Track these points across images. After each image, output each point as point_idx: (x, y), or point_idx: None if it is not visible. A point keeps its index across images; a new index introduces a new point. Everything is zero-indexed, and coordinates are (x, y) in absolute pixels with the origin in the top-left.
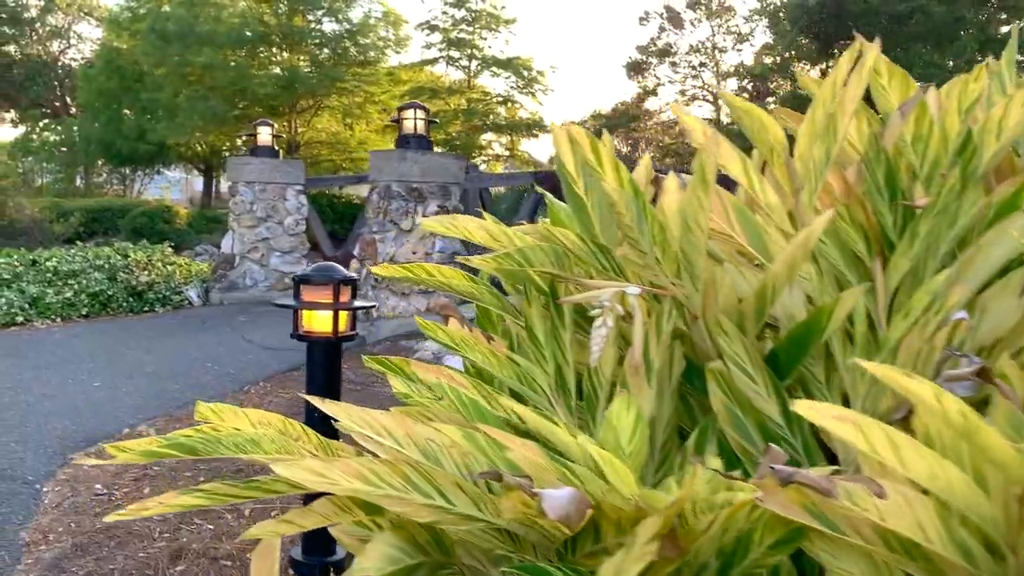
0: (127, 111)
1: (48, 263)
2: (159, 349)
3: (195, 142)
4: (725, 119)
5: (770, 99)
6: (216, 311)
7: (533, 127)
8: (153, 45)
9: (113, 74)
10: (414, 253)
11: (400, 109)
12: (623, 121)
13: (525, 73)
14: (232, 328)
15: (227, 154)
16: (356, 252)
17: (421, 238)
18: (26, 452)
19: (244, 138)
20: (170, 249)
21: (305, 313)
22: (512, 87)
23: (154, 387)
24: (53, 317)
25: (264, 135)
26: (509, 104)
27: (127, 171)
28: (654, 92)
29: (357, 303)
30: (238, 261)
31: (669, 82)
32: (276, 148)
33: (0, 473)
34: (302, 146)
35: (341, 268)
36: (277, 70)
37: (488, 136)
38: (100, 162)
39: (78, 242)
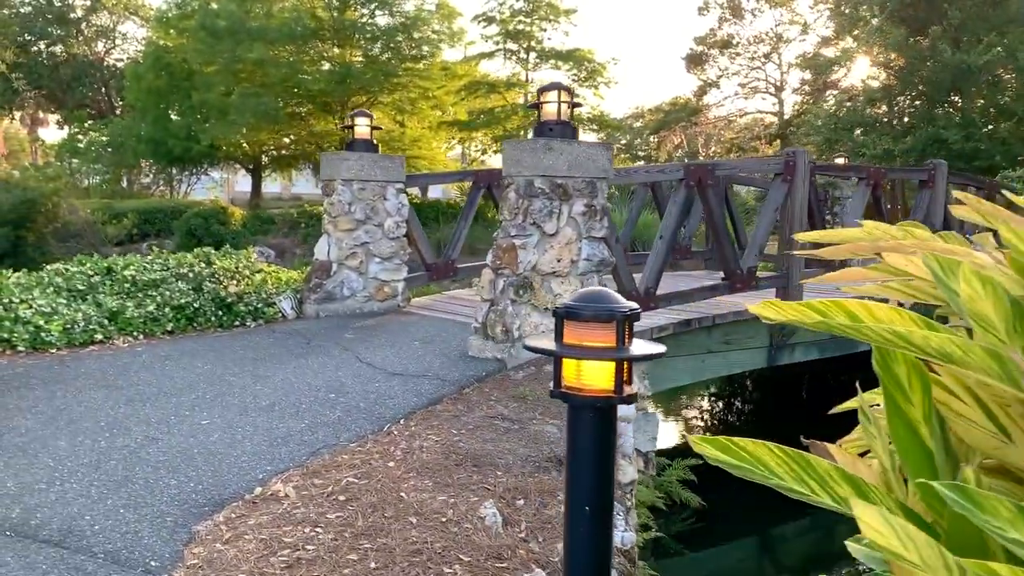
0: (175, 110)
1: (126, 272)
2: (268, 376)
3: (244, 140)
4: (788, 113)
5: (832, 91)
6: (315, 326)
7: (596, 121)
8: (203, 42)
9: (161, 72)
10: (559, 261)
11: (541, 91)
12: (683, 115)
13: (587, 66)
14: (343, 348)
15: (274, 152)
16: (490, 260)
17: (567, 243)
18: (141, 523)
19: (341, 128)
20: (257, 254)
21: (572, 363)
22: (574, 79)
23: (276, 427)
24: (135, 334)
25: (362, 127)
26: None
27: (174, 171)
28: (715, 84)
29: (647, 348)
30: (335, 269)
31: (732, 74)
32: (375, 141)
33: (115, 556)
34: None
35: (619, 296)
36: (329, 66)
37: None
38: (146, 163)
39: (137, 244)
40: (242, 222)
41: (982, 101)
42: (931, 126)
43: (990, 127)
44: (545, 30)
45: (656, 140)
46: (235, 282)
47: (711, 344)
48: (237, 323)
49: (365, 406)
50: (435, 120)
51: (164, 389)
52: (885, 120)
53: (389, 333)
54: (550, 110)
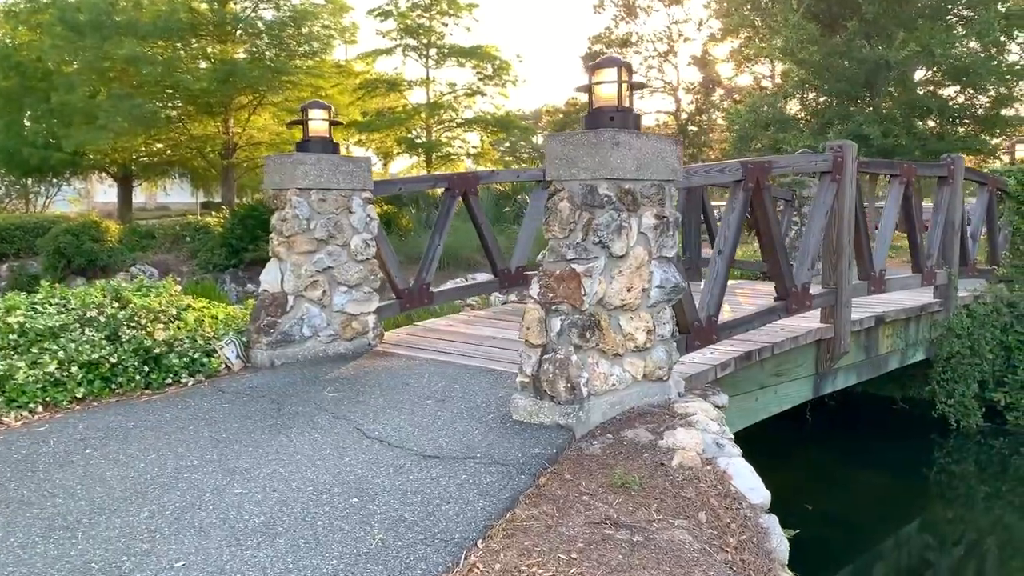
0: (29, 115)
1: (10, 319)
2: (246, 469)
3: (114, 147)
4: (684, 115)
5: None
6: (276, 380)
7: (502, 123)
8: (61, 38)
9: (11, 73)
10: (628, 291)
11: (593, 68)
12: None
13: (491, 63)
14: (331, 414)
15: (145, 159)
16: (536, 293)
17: (638, 267)
18: None
19: (288, 125)
20: (178, 286)
21: None
22: (478, 77)
23: (293, 568)
24: (32, 406)
25: (318, 121)
26: (481, 96)
27: (29, 183)
28: None
29: None
30: (291, 303)
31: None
32: (334, 140)
33: None
34: (239, 148)
35: None
36: (209, 63)
37: (448, 134)
38: None
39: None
40: (118, 238)
41: (892, 96)
42: (850, 122)
43: (908, 123)
44: (446, 25)
45: None
46: (162, 325)
47: (763, 378)
48: (170, 381)
49: (413, 518)
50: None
51: (97, 502)
52: (801, 116)
53: (382, 388)
54: (607, 93)
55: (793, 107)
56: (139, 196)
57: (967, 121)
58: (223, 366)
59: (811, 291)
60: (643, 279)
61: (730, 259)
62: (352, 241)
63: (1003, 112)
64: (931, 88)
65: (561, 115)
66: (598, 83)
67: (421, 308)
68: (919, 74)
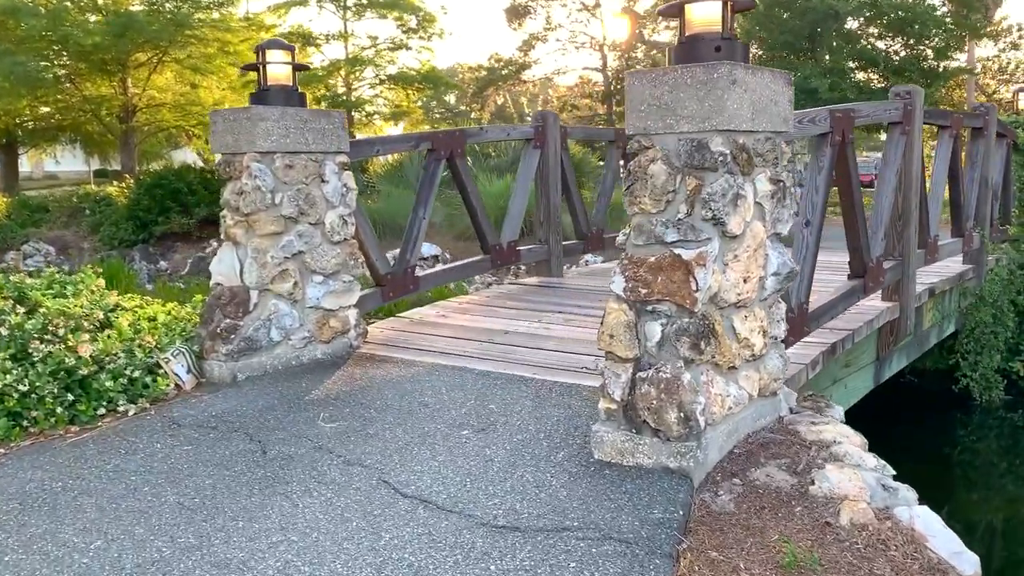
0: None
1: None
2: (243, 560)
3: None
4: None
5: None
6: (247, 404)
7: (428, 79)
8: None
9: None
10: (744, 281)
11: None
12: (510, 72)
13: (415, 15)
14: (340, 458)
15: (30, 124)
16: (621, 288)
17: (755, 249)
18: None
19: (243, 71)
20: (100, 280)
21: None
22: (401, 29)
23: None
24: None
25: (279, 66)
26: (406, 50)
27: None
28: (541, 39)
29: None
30: (256, 299)
31: (557, 27)
32: (299, 90)
33: None
34: (140, 111)
35: None
36: (101, 16)
37: (370, 91)
38: None
39: None
40: (6, 212)
41: (835, 49)
42: (795, 75)
43: (856, 76)
44: None
45: (480, 100)
46: (87, 336)
47: (836, 371)
48: (104, 410)
49: None
50: (239, 80)
51: None
52: None
53: (393, 411)
54: (705, 15)
55: None
56: (24, 165)
57: (910, 73)
58: (172, 386)
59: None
60: (759, 265)
61: (820, 231)
62: (327, 218)
63: (945, 64)
64: (872, 40)
65: (485, 72)
66: (691, 1)
67: (405, 296)
68: (858, 25)
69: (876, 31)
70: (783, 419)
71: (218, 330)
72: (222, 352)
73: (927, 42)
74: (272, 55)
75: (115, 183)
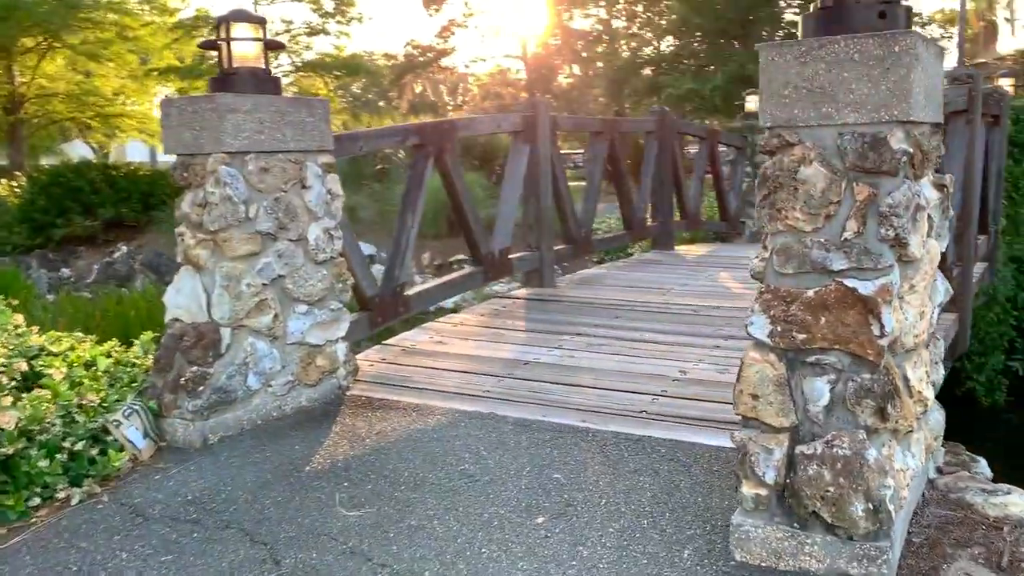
0: None
1: None
2: None
3: None
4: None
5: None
6: (231, 480)
7: (346, 66)
8: None
9: None
10: (921, 317)
11: None
12: (428, 60)
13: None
14: (385, 570)
15: None
16: (765, 333)
17: (931, 278)
18: None
19: (203, 45)
20: (19, 319)
21: None
22: (319, 14)
23: None
24: None
25: (246, 43)
26: (325, 35)
27: None
28: (460, 25)
29: None
30: (228, 340)
31: (478, 13)
32: (273, 72)
33: None
34: (28, 101)
35: None
36: None
37: (285, 80)
38: None
39: None
40: None
41: (765, 37)
42: (731, 63)
43: None
44: None
45: (398, 88)
46: (9, 399)
47: None
48: (39, 499)
49: None
50: (140, 68)
51: None
52: (682, 55)
53: (434, 489)
54: None
55: (667, 46)
56: None
57: None
58: (128, 457)
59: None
60: (930, 295)
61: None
62: (310, 233)
63: None
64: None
65: (404, 59)
66: None
67: (394, 320)
68: (792, 13)
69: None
70: (935, 484)
71: (182, 381)
72: (188, 409)
73: None
74: (238, 30)
75: (2, 181)
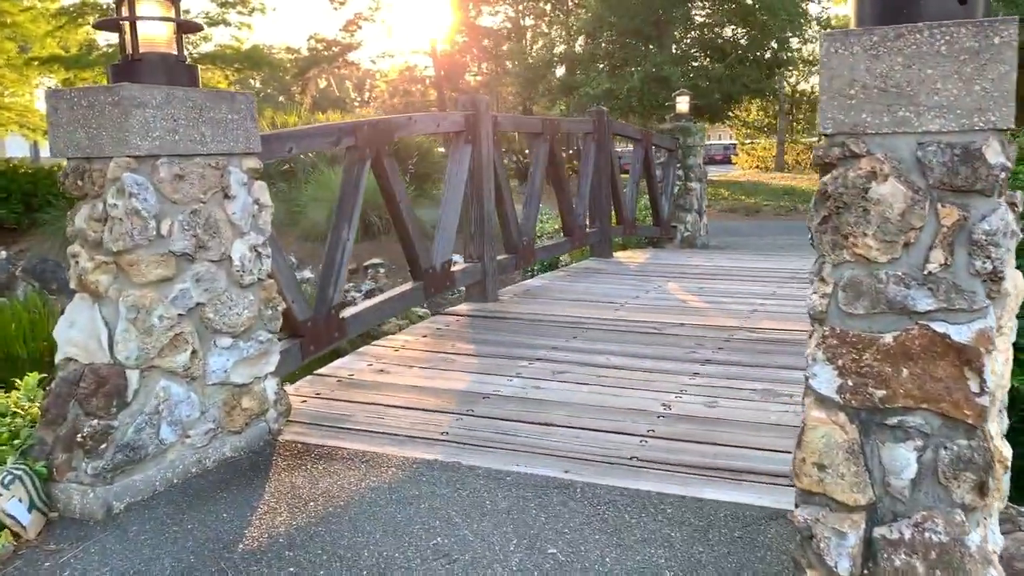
0: None
1: None
2: None
3: None
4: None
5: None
6: (145, 569)
7: (249, 59)
8: None
9: None
10: (1006, 363)
11: None
12: (333, 54)
13: None
14: None
15: None
16: (838, 390)
17: (1014, 314)
18: None
19: (96, 25)
20: None
21: None
22: (218, 3)
23: None
24: None
25: (154, 24)
26: (225, 25)
27: None
28: (368, 19)
29: None
30: (136, 384)
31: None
32: (187, 60)
33: None
34: None
35: None
36: None
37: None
38: None
39: None
40: None
41: (677, 38)
42: (647, 63)
43: (707, 65)
44: None
45: (301, 83)
46: None
47: None
48: None
49: None
50: (19, 57)
51: None
52: (597, 55)
53: (406, 574)
54: None
55: (580, 46)
56: None
57: (752, 62)
58: (7, 540)
59: None
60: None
61: None
62: (234, 251)
63: (783, 55)
64: (716, 29)
65: (307, 54)
66: None
67: (330, 346)
68: (705, 12)
69: (721, 19)
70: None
71: (79, 437)
72: (87, 471)
73: (768, 33)
74: (145, 7)
75: None
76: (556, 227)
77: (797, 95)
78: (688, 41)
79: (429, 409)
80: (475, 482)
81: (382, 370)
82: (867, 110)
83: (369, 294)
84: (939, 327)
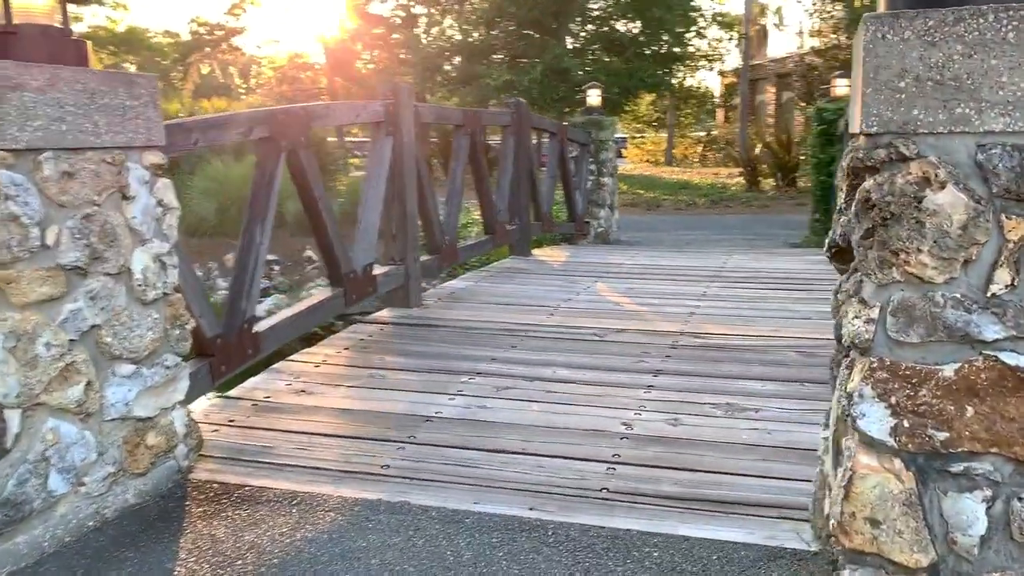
0: None
1: None
2: None
3: None
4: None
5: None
6: None
7: (125, 42)
8: None
9: None
10: None
11: None
12: (218, 40)
13: None
14: None
15: None
16: (891, 432)
17: None
18: None
19: None
20: None
21: None
22: None
23: None
24: None
25: None
26: (99, 5)
27: None
28: (252, 3)
29: None
30: (18, 426)
31: None
32: (75, 34)
33: None
34: None
35: None
36: None
37: None
38: None
39: None
40: None
41: (573, 32)
42: (547, 55)
43: (606, 58)
44: None
45: (184, 69)
46: None
47: None
48: None
49: None
50: None
51: None
52: (495, 45)
53: None
54: None
55: (479, 36)
56: None
57: (648, 57)
58: None
59: None
60: None
61: None
62: (135, 262)
63: (678, 49)
64: (611, 23)
65: (189, 38)
66: None
67: (241, 366)
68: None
69: (617, 12)
70: None
71: None
72: None
73: (664, 28)
74: None
75: None
76: (465, 222)
77: (684, 90)
78: (586, 34)
79: (364, 437)
80: (430, 527)
81: (303, 390)
82: (919, 106)
83: (263, 292)
84: (1009, 358)
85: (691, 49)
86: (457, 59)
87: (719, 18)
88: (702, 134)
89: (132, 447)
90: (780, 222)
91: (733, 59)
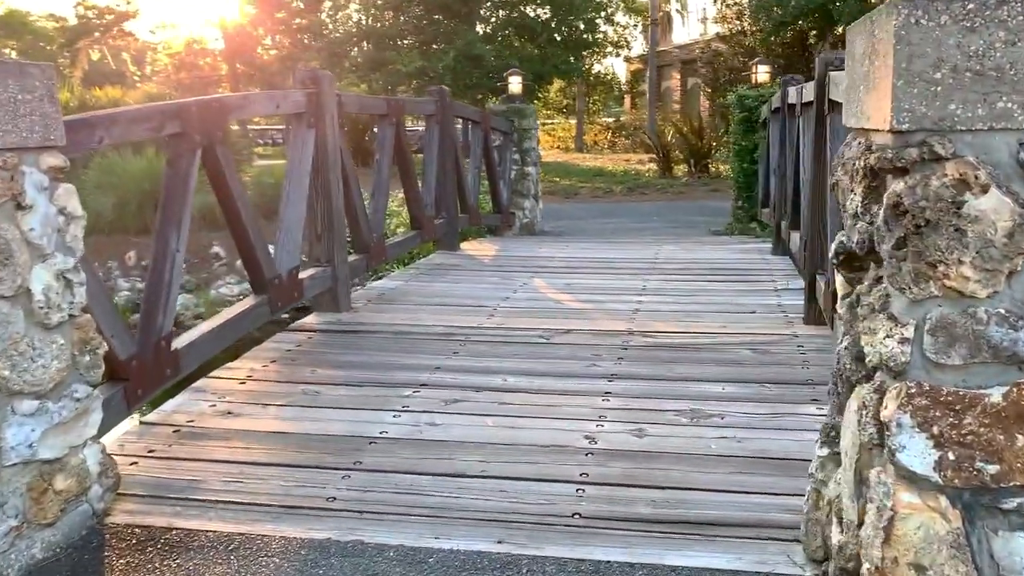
0: None
1: None
2: None
3: None
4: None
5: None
6: None
7: (5, 23)
8: None
9: None
10: None
11: None
12: (108, 24)
13: None
14: None
15: None
16: (934, 466)
17: None
18: None
19: None
20: None
21: None
22: None
23: None
24: None
25: None
26: None
27: None
28: None
29: None
30: None
31: None
32: None
33: None
34: None
35: None
36: None
37: None
38: None
39: None
40: None
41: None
42: (459, 41)
43: (517, 44)
44: None
45: (71, 55)
46: None
47: None
48: None
49: None
50: None
51: None
52: (407, 31)
53: None
54: None
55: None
56: None
57: (561, 43)
58: None
59: None
60: None
61: None
62: (34, 281)
63: (588, 36)
64: (521, 8)
65: (77, 22)
66: None
67: (154, 390)
68: None
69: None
70: None
71: None
72: None
73: (576, 15)
74: None
75: None
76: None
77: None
78: (496, 19)
79: (304, 465)
80: (390, 570)
81: (230, 411)
82: (957, 99)
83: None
84: None
85: (599, 36)
86: (365, 45)
87: (627, 4)
88: (610, 120)
89: (38, 494)
90: (696, 208)
91: (638, 46)
